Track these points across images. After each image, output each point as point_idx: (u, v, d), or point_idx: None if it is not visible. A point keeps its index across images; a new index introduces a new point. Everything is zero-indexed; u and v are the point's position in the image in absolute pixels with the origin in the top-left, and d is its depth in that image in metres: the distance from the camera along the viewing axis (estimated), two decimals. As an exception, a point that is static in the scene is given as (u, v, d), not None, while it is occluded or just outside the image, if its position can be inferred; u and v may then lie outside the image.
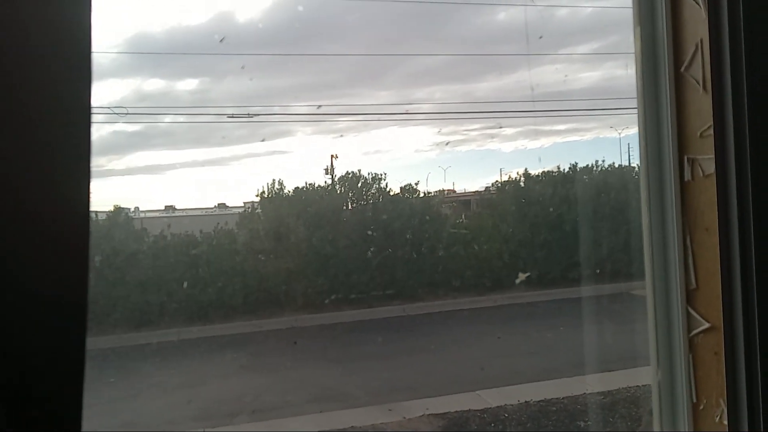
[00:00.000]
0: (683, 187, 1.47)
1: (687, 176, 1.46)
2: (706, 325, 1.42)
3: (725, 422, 1.35)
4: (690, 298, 1.46)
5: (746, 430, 1.31)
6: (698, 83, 1.42)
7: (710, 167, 1.39)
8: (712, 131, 1.38)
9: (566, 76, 12.72)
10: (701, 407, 1.43)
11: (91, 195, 0.74)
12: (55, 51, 0.72)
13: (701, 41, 1.41)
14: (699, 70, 1.42)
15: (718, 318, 1.37)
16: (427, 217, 11.78)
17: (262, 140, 12.48)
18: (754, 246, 1.30)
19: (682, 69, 1.47)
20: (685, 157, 1.46)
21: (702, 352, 1.43)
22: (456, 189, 14.48)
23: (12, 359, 0.71)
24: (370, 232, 10.90)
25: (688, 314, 1.46)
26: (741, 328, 1.32)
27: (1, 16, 0.69)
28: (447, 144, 13.95)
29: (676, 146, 1.48)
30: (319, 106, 13.86)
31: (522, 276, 11.02)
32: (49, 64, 0.72)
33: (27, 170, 0.71)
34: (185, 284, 9.42)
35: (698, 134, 1.43)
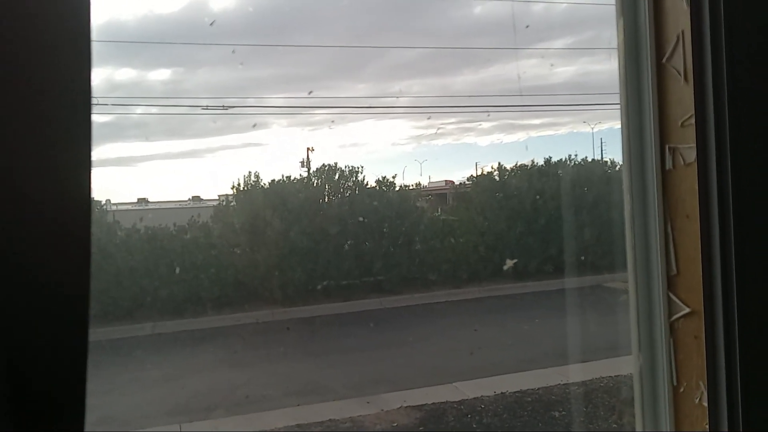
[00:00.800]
0: (665, 176, 1.49)
1: (668, 165, 1.49)
2: (687, 310, 1.46)
3: (705, 403, 1.39)
4: (671, 283, 1.49)
5: (725, 410, 1.34)
6: (680, 74, 1.45)
7: (691, 156, 1.42)
8: (693, 121, 1.40)
9: (552, 65, 12.82)
10: (681, 389, 1.47)
11: (93, 184, 0.72)
12: (54, 36, 0.70)
13: (682, 33, 1.43)
14: (680, 61, 1.45)
15: (699, 303, 1.40)
16: (414, 206, 11.80)
17: (254, 125, 12.31)
18: (734, 232, 1.33)
19: (664, 60, 1.49)
20: (667, 146, 1.49)
21: (683, 336, 1.47)
22: (446, 180, 14.52)
23: (13, 355, 0.70)
24: (361, 219, 10.88)
25: (669, 300, 1.50)
26: (720, 312, 1.35)
27: (1, 4, 0.68)
28: (437, 130, 13.93)
29: (658, 136, 1.51)
30: (311, 92, 13.74)
31: (510, 262, 11.13)
32: (48, 50, 0.70)
33: (27, 159, 0.70)
34: (177, 270, 9.28)
35: (679, 124, 1.46)
